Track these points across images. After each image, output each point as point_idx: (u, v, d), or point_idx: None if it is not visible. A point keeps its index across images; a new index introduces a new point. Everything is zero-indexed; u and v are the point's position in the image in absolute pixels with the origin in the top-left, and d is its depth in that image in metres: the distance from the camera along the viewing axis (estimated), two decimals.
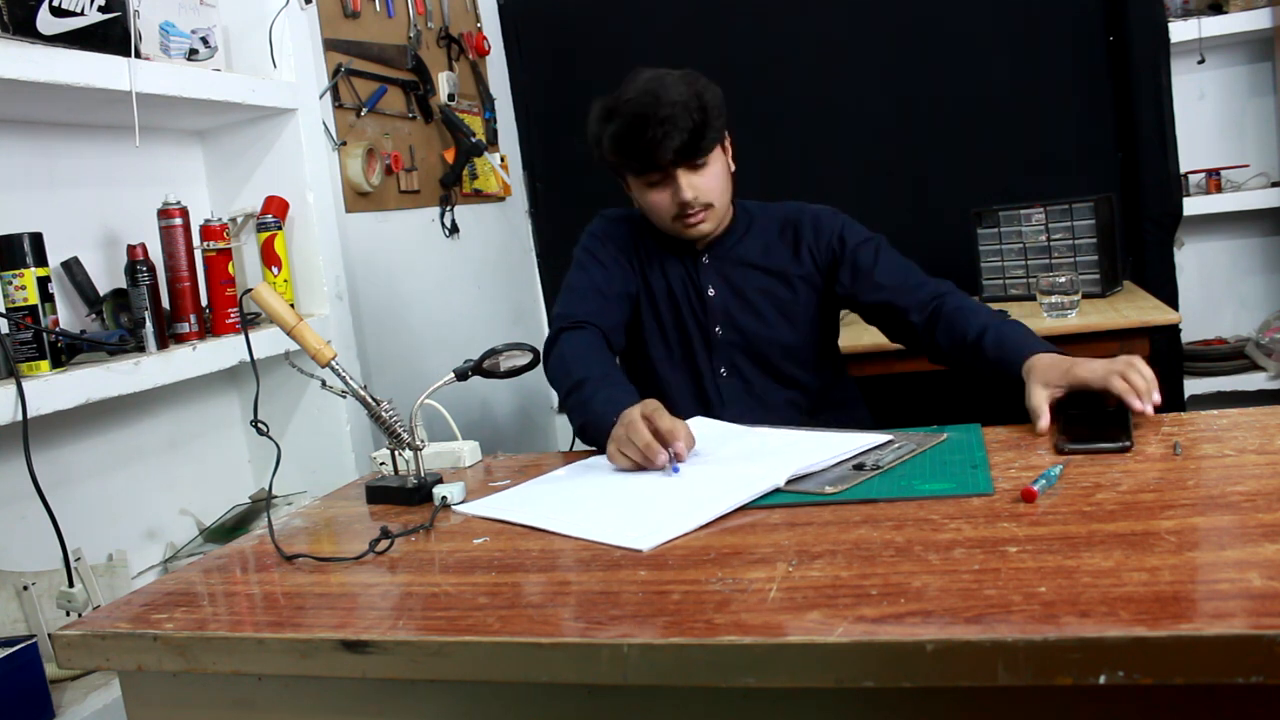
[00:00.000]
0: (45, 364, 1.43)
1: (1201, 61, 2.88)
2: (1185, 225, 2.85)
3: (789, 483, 1.13)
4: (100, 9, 1.51)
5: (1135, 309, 2.29)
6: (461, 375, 1.33)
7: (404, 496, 1.30)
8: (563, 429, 3.21)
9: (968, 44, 2.85)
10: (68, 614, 1.42)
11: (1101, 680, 0.68)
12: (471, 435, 1.51)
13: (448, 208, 2.78)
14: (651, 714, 0.86)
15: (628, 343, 1.72)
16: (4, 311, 1.44)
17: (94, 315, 1.67)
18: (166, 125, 1.91)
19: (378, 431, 1.37)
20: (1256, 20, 2.73)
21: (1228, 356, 2.89)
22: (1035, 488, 0.99)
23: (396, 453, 1.35)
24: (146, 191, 1.80)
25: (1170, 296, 2.75)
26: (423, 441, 1.33)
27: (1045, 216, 2.54)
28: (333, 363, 1.26)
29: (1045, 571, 0.81)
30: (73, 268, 1.65)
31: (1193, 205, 2.82)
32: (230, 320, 1.78)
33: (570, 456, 1.43)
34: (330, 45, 2.35)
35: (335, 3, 2.39)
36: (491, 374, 1.34)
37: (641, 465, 1.24)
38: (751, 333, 1.66)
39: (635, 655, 0.78)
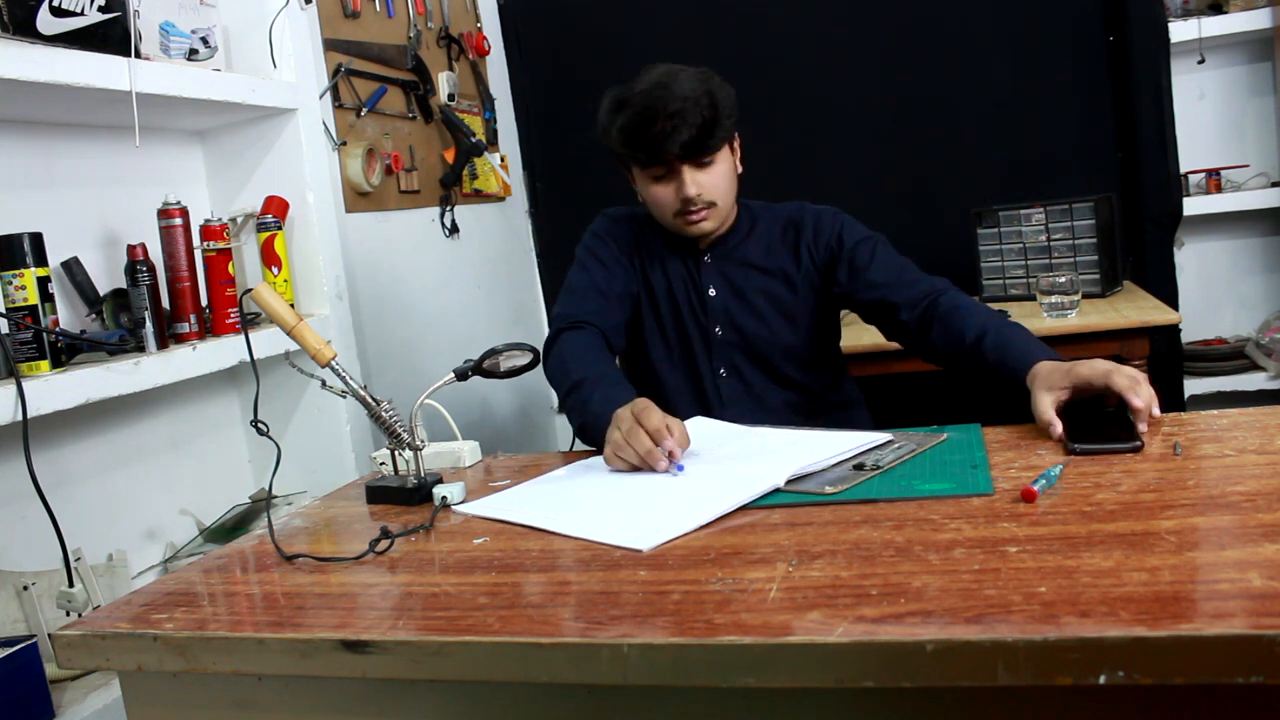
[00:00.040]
0: (45, 364, 1.43)
1: (1201, 61, 2.88)
2: (1185, 225, 2.85)
3: (789, 483, 1.13)
4: (100, 9, 1.51)
5: (1135, 309, 2.29)
6: (461, 375, 1.33)
7: (404, 496, 1.30)
8: (563, 429, 3.21)
9: (968, 44, 2.85)
10: (68, 614, 1.42)
11: (1101, 680, 0.68)
12: (471, 435, 1.51)
13: (448, 208, 2.78)
14: (651, 714, 0.86)
15: (628, 342, 1.73)
16: (4, 311, 1.44)
17: (94, 315, 1.67)
18: (166, 125, 1.91)
19: (378, 431, 1.37)
20: (1256, 20, 2.73)
21: (1228, 356, 2.89)
22: (1035, 488, 0.99)
23: (396, 453, 1.35)
24: (146, 191, 1.80)
25: (1170, 296, 2.75)
26: (423, 441, 1.33)
27: (1045, 216, 2.54)
28: (333, 363, 1.26)
29: (1045, 571, 0.81)
30: (73, 268, 1.65)
31: (1193, 205, 2.82)
32: (230, 320, 1.78)
33: (570, 456, 1.43)
34: (330, 45, 2.35)
35: (335, 3, 2.39)
36: (491, 374, 1.34)
37: (639, 468, 1.24)
38: (751, 333, 1.66)
39: (635, 655, 0.78)
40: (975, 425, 1.32)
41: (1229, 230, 2.98)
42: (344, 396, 1.28)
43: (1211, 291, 3.02)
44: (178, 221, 1.71)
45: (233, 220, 1.92)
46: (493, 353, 1.34)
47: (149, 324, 1.63)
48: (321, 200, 1.99)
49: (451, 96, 2.81)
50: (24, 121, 1.64)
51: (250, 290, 1.27)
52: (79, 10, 1.47)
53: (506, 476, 1.37)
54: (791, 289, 1.66)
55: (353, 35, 2.44)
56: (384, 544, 1.09)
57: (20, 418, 1.34)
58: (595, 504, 1.18)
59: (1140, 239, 2.79)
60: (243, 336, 1.31)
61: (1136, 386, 1.17)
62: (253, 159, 1.98)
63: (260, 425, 1.20)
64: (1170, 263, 2.82)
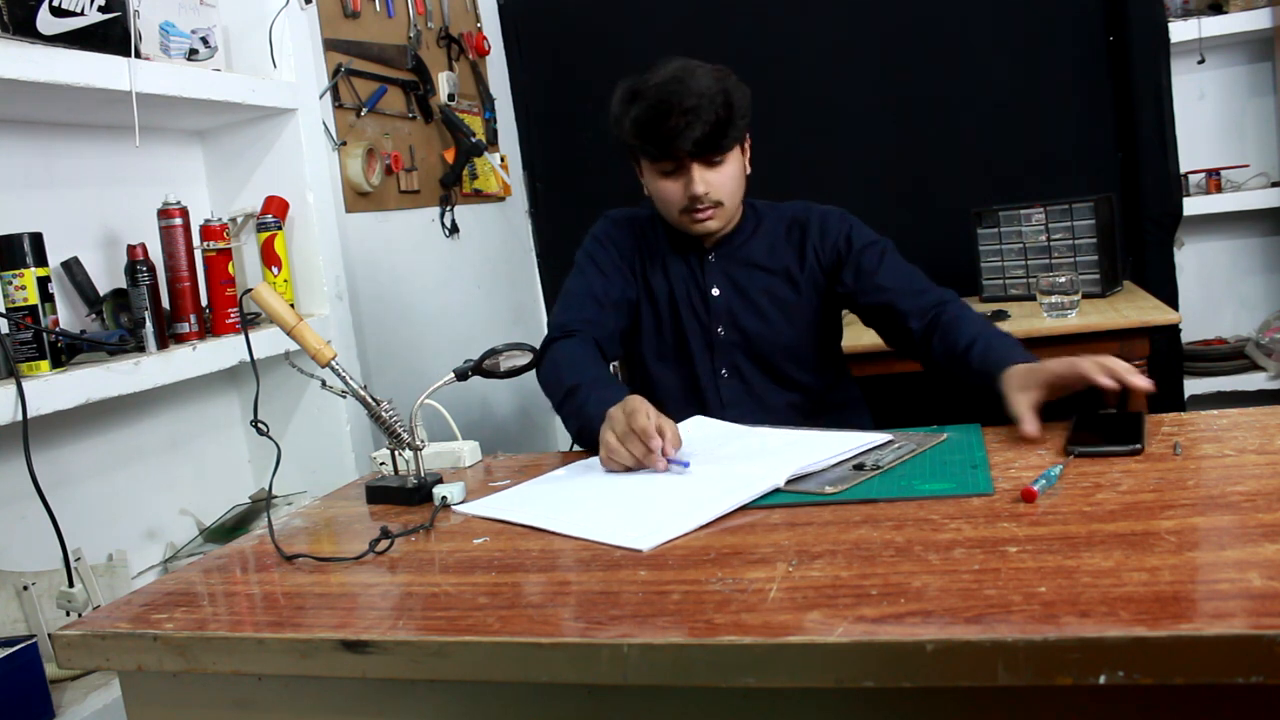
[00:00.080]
0: (45, 364, 1.43)
1: (1201, 61, 2.88)
2: (1185, 225, 2.85)
3: (789, 483, 1.13)
4: (100, 9, 1.51)
5: (1135, 309, 2.29)
6: (461, 375, 1.33)
7: (404, 496, 1.30)
8: (563, 429, 3.20)
9: (968, 44, 2.85)
10: (68, 614, 1.42)
11: (1101, 680, 0.68)
12: (471, 435, 1.51)
13: (448, 208, 2.78)
14: (651, 714, 0.86)
15: (627, 346, 1.72)
16: (4, 311, 1.44)
17: (94, 315, 1.67)
18: (166, 125, 1.91)
19: (378, 431, 1.37)
20: (1256, 20, 2.73)
21: (1228, 356, 2.89)
22: (1035, 488, 0.99)
23: (396, 453, 1.35)
24: (146, 191, 1.80)
25: (1170, 296, 2.75)
26: (423, 441, 1.33)
27: (1045, 216, 2.54)
28: (333, 363, 1.26)
29: (1045, 571, 0.81)
30: (73, 268, 1.65)
31: (1193, 205, 2.82)
32: (230, 320, 1.78)
33: (570, 456, 1.43)
34: (330, 45, 2.35)
35: (335, 3, 2.39)
36: (491, 374, 1.34)
37: (633, 468, 1.25)
38: (754, 334, 1.65)
39: (635, 655, 0.78)
40: (975, 425, 1.32)
41: (1229, 230, 2.98)
42: (344, 396, 1.28)
43: (1211, 291, 3.02)
44: (178, 221, 1.71)
45: (233, 220, 1.92)
46: (493, 353, 1.34)
47: (149, 324, 1.63)
48: (321, 200, 1.99)
49: (451, 96, 2.81)
50: (24, 121, 1.64)
51: (250, 290, 1.27)
52: (79, 10, 1.47)
53: (506, 476, 1.37)
54: (795, 289, 1.65)
55: (353, 35, 2.44)
56: (384, 544, 1.09)
57: (20, 418, 1.34)
58: (595, 504, 1.18)
59: (1140, 239, 2.79)
60: (243, 336, 1.31)
61: (1102, 366, 1.18)
62: (253, 159, 1.98)
63: (260, 425, 1.20)
64: (1170, 263, 2.82)
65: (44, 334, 1.43)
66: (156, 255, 1.70)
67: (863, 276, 1.62)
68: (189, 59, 1.74)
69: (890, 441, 1.26)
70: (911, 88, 2.89)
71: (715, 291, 1.66)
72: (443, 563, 1.05)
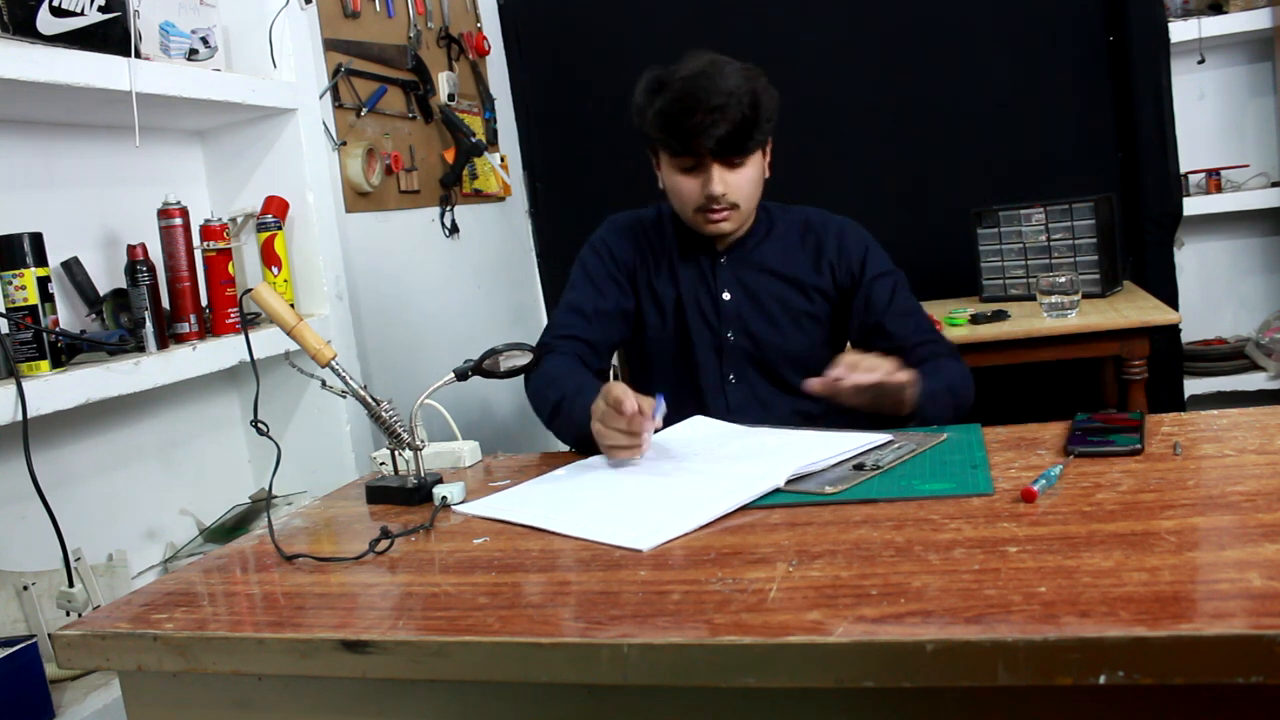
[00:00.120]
0: (45, 364, 1.43)
1: (1201, 61, 2.88)
2: (1185, 225, 2.85)
3: (789, 483, 1.13)
4: (100, 9, 1.51)
5: (1135, 309, 2.29)
6: (461, 375, 1.33)
7: (404, 496, 1.30)
8: None
9: (968, 44, 2.85)
10: (68, 614, 1.42)
11: (1101, 680, 0.68)
12: (471, 435, 1.51)
13: (448, 208, 2.78)
14: (651, 714, 0.86)
15: (631, 352, 1.71)
16: (4, 311, 1.44)
17: (94, 315, 1.67)
18: (166, 125, 1.91)
19: (378, 431, 1.37)
20: (1256, 20, 2.73)
21: (1228, 356, 2.89)
22: (1035, 488, 0.99)
23: (396, 453, 1.35)
24: (146, 191, 1.80)
25: (1170, 296, 2.75)
26: (423, 441, 1.33)
27: (1045, 216, 2.54)
28: (333, 363, 1.26)
29: (1045, 571, 0.81)
30: (73, 268, 1.65)
31: (1193, 205, 2.82)
32: (230, 320, 1.78)
33: (570, 456, 1.43)
34: (330, 45, 2.35)
35: (335, 3, 2.39)
36: (491, 374, 1.34)
37: (635, 445, 1.26)
38: (764, 340, 1.63)
39: (635, 655, 0.78)
40: (975, 425, 1.32)
41: (1229, 230, 2.98)
42: (344, 396, 1.28)
43: (1211, 291, 3.02)
44: (178, 221, 1.71)
45: (233, 220, 1.92)
46: (493, 353, 1.34)
47: (149, 324, 1.63)
48: (321, 200, 1.99)
49: (451, 96, 2.81)
50: (24, 121, 1.64)
51: (250, 290, 1.27)
52: (79, 10, 1.47)
53: (506, 476, 1.37)
54: (806, 297, 1.63)
55: (353, 35, 2.44)
56: (384, 544, 1.09)
57: (20, 418, 1.34)
58: (595, 504, 1.18)
59: (1140, 239, 2.79)
60: (243, 336, 1.31)
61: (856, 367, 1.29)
62: (253, 159, 1.98)
63: (260, 425, 1.20)
64: (1170, 263, 2.82)
65: (44, 334, 1.43)
66: (156, 255, 1.70)
67: (871, 310, 1.61)
68: (189, 59, 1.74)
69: (890, 441, 1.26)
70: (911, 88, 2.89)
71: (726, 296, 1.64)
72: (443, 563, 1.05)
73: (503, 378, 1.36)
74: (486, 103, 3.04)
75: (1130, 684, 0.68)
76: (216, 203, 2.01)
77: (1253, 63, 2.93)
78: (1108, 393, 2.76)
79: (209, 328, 1.78)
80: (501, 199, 3.12)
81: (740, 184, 1.54)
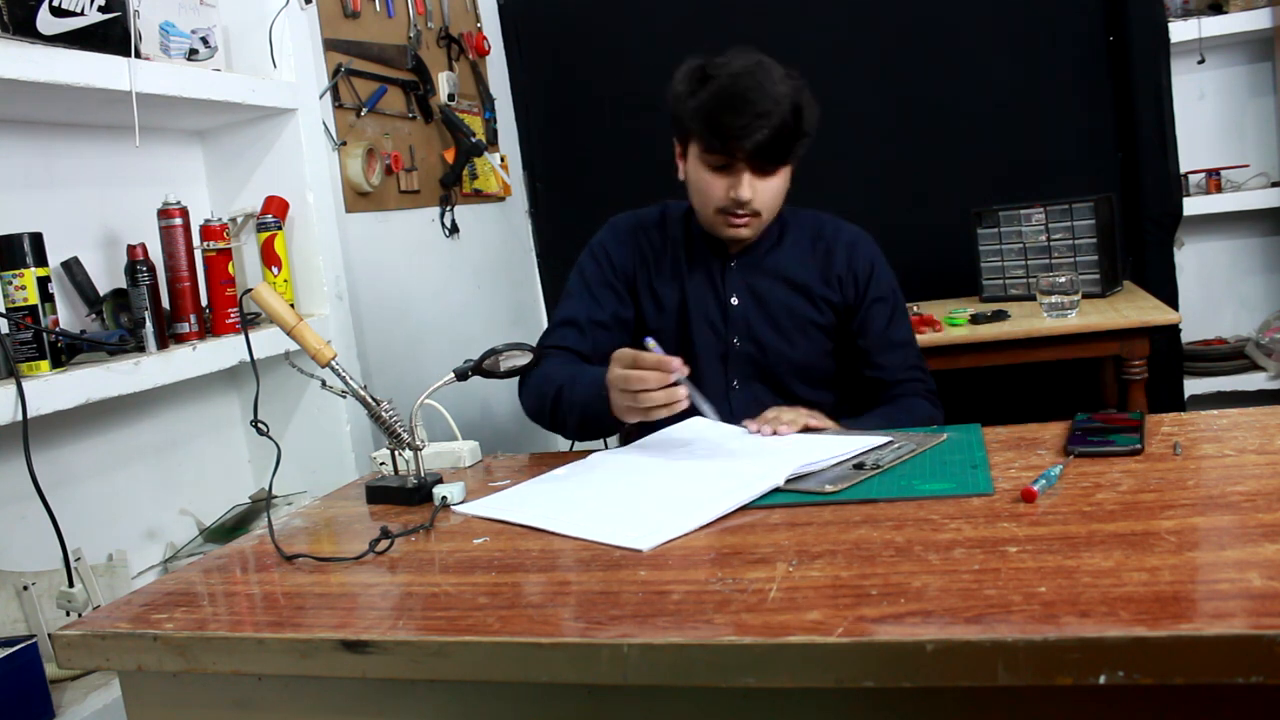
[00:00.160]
0: (45, 364, 1.43)
1: (1201, 61, 2.88)
2: (1185, 225, 2.85)
3: (788, 482, 1.13)
4: (100, 9, 1.51)
5: (1135, 309, 2.29)
6: (461, 375, 1.33)
7: (404, 496, 1.30)
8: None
9: (968, 44, 2.85)
10: (68, 614, 1.42)
11: (1101, 680, 0.68)
12: (471, 435, 1.51)
13: (448, 208, 2.78)
14: (651, 714, 0.86)
15: None
16: (4, 311, 1.44)
17: (94, 315, 1.67)
18: (166, 125, 1.91)
19: (378, 431, 1.37)
20: (1256, 20, 2.73)
21: (1228, 356, 2.89)
22: (1035, 488, 0.99)
23: (396, 453, 1.35)
24: (146, 191, 1.80)
25: (1170, 296, 2.75)
26: (423, 441, 1.33)
27: (1045, 216, 2.54)
28: (333, 363, 1.26)
29: (1045, 571, 0.81)
30: (73, 268, 1.65)
31: (1193, 205, 2.82)
32: (230, 320, 1.78)
33: (570, 456, 1.43)
34: (330, 45, 2.35)
35: (335, 3, 2.39)
36: (491, 374, 1.34)
37: (673, 400, 1.26)
38: (770, 348, 1.61)
39: (635, 655, 0.78)
40: (975, 425, 1.32)
41: (1229, 230, 2.98)
42: (344, 396, 1.28)
43: (1211, 291, 3.02)
44: (178, 221, 1.71)
45: (233, 220, 1.92)
46: (493, 353, 1.34)
47: (149, 324, 1.63)
48: (321, 200, 1.99)
49: (451, 96, 2.81)
50: (24, 121, 1.64)
51: (250, 290, 1.27)
52: (79, 10, 1.47)
53: (506, 476, 1.37)
54: (814, 306, 1.62)
55: (353, 35, 2.44)
56: (384, 544, 1.09)
57: (20, 418, 1.34)
58: (595, 504, 1.18)
59: (1140, 239, 2.79)
60: (243, 336, 1.31)
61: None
62: (253, 159, 1.98)
63: (260, 425, 1.20)
64: (1170, 263, 2.82)
65: (44, 334, 1.43)
66: (156, 255, 1.70)
67: (863, 335, 1.62)
68: (189, 59, 1.74)
69: (890, 441, 1.26)
70: (911, 88, 2.89)
71: (734, 300, 1.61)
72: (443, 563, 1.05)
73: (503, 378, 1.36)
74: (486, 103, 3.04)
75: (1130, 684, 0.68)
76: (216, 203, 2.01)
77: (1253, 63, 2.93)
78: (1108, 393, 2.76)
79: (209, 328, 1.78)
80: (501, 199, 3.12)
81: (768, 193, 1.51)
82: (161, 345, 1.64)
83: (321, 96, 2.22)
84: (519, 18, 3.21)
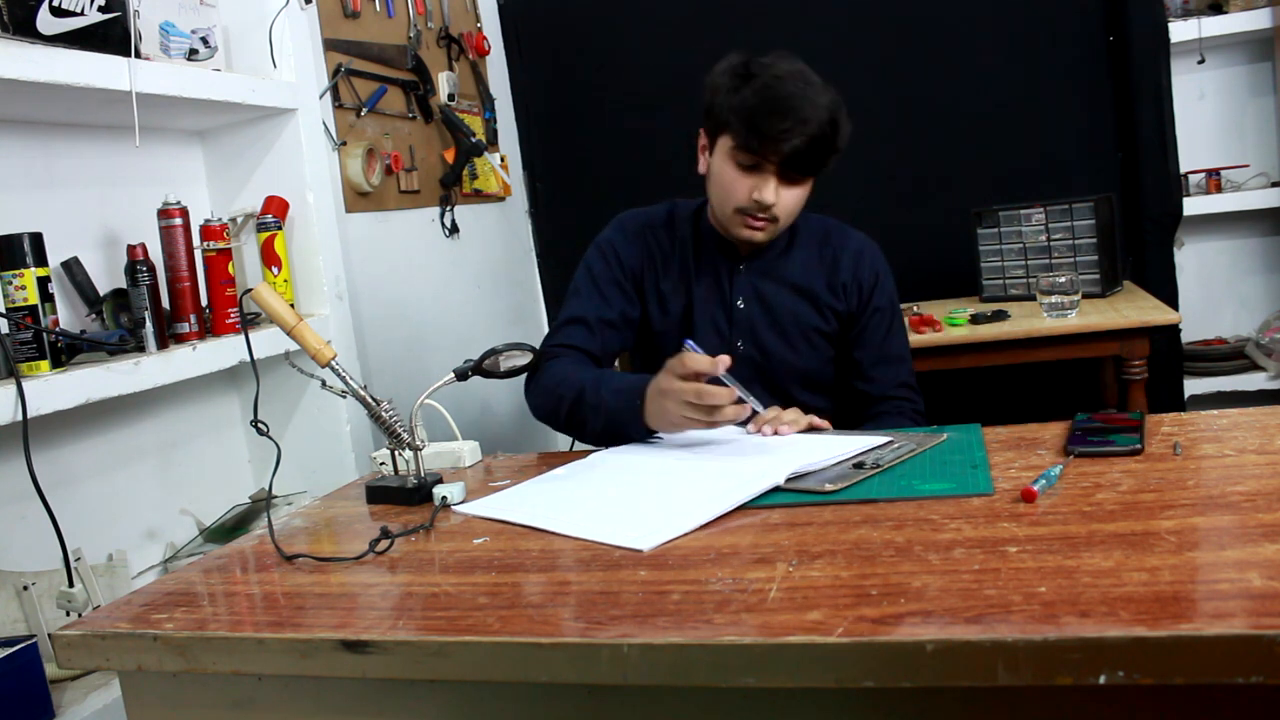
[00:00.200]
0: (45, 364, 1.43)
1: (1201, 61, 2.88)
2: (1185, 225, 2.85)
3: (788, 481, 1.13)
4: (100, 9, 1.51)
5: (1135, 309, 2.29)
6: (461, 375, 1.33)
7: (404, 496, 1.30)
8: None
9: (968, 44, 2.85)
10: (68, 614, 1.42)
11: (1101, 680, 0.68)
12: (471, 435, 1.51)
13: (448, 208, 2.78)
14: (651, 714, 0.86)
15: (635, 355, 1.70)
16: (4, 311, 1.44)
17: (94, 315, 1.67)
18: (166, 125, 1.91)
19: (378, 431, 1.37)
20: (1256, 20, 2.73)
21: (1228, 356, 2.89)
22: (1035, 488, 0.99)
23: (396, 453, 1.35)
24: (146, 191, 1.80)
25: (1170, 296, 2.76)
26: (423, 441, 1.33)
27: (1045, 216, 2.54)
28: (333, 363, 1.26)
29: (1045, 571, 0.81)
30: (73, 268, 1.65)
31: (1193, 205, 2.82)
32: (230, 320, 1.78)
33: (570, 456, 1.43)
34: (330, 45, 2.35)
35: (335, 3, 2.39)
36: (491, 374, 1.34)
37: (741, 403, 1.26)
38: (774, 354, 1.61)
39: (635, 655, 0.78)
40: (975, 425, 1.32)
41: (1229, 230, 2.98)
42: (344, 396, 1.28)
43: (1211, 291, 3.02)
44: (178, 221, 1.71)
45: (233, 220, 1.92)
46: (493, 353, 1.34)
47: (149, 324, 1.63)
48: (321, 200, 1.99)
49: (451, 96, 2.81)
50: (24, 121, 1.64)
51: (250, 290, 1.27)
52: (79, 10, 1.47)
53: (506, 476, 1.37)
54: (820, 314, 1.61)
55: (353, 35, 2.44)
56: (384, 544, 1.09)
57: (20, 418, 1.34)
58: (596, 504, 1.18)
59: (1140, 239, 2.79)
60: (243, 336, 1.31)
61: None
62: (253, 159, 1.98)
63: (260, 425, 1.20)
64: (1170, 263, 2.82)
65: (44, 334, 1.43)
66: (156, 255, 1.70)
67: (859, 346, 1.62)
68: (189, 59, 1.74)
69: (890, 441, 1.26)
70: (911, 88, 2.89)
71: (740, 303, 1.61)
72: (443, 563, 1.05)
73: (503, 378, 1.36)
74: (486, 103, 3.04)
75: (1130, 684, 0.68)
76: (216, 203, 2.01)
77: (1253, 63, 2.93)
78: (1108, 393, 2.76)
79: (209, 328, 1.78)
80: (501, 199, 3.12)
81: (790, 201, 1.50)
82: (161, 345, 1.64)
83: (321, 96, 2.22)
84: (519, 18, 3.21)
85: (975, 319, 2.35)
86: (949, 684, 0.72)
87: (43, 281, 1.46)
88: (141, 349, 1.62)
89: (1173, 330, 2.76)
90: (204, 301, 1.78)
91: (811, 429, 1.38)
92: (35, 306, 1.44)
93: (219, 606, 1.02)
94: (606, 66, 3.19)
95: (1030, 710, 0.76)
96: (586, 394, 1.42)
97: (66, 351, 1.50)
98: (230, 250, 1.82)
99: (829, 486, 1.10)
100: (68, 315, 1.64)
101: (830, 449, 1.23)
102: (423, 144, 2.68)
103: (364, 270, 2.38)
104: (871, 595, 0.81)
